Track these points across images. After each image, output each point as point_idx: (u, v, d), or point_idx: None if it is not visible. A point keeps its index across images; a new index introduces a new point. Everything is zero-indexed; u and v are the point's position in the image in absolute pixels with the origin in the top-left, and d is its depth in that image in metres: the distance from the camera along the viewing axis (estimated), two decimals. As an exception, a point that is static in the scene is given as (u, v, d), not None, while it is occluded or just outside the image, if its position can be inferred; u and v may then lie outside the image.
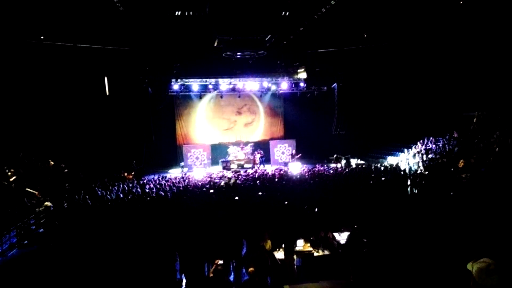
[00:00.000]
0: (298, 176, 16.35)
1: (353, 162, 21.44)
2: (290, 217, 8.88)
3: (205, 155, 22.16)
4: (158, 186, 14.80)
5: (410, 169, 17.78)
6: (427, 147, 18.87)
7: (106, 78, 20.56)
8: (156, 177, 17.93)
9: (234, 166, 21.62)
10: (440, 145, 18.20)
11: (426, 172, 15.63)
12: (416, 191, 13.28)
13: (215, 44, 18.64)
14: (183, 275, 7.37)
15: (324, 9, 17.31)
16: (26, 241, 10.81)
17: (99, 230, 8.75)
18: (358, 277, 6.66)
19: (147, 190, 14.00)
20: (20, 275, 7.79)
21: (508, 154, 13.78)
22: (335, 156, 22.11)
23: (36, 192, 13.70)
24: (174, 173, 20.46)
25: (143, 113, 19.90)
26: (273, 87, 23.15)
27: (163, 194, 12.89)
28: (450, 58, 20.78)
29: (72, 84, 19.69)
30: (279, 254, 7.57)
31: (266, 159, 23.19)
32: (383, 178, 14.45)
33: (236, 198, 11.42)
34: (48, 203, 12.57)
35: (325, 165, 20.65)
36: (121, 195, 13.29)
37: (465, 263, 2.49)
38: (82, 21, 17.29)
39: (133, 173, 19.42)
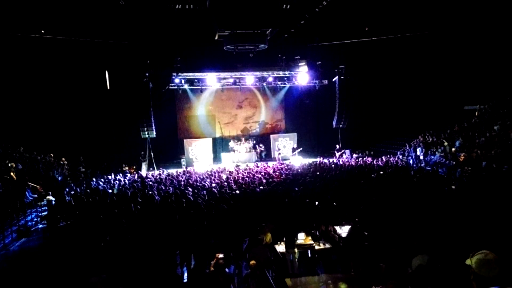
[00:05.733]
0: (300, 170, 16.36)
1: (354, 155, 21.43)
2: (291, 210, 8.89)
3: (206, 149, 22.16)
4: (159, 180, 14.81)
5: (411, 162, 17.77)
6: (428, 141, 18.83)
7: (107, 72, 20.51)
8: (156, 172, 17.95)
9: (235, 160, 21.63)
10: (441, 139, 18.16)
11: (427, 167, 15.63)
12: (417, 185, 13.27)
13: (216, 38, 18.54)
14: (184, 269, 7.42)
15: (325, 2, 17.20)
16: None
17: (100, 224, 8.77)
18: (359, 271, 6.68)
19: (149, 184, 14.00)
20: (22, 269, 7.84)
21: (509, 147, 13.75)
22: (336, 149, 22.13)
23: (38, 186, 13.75)
24: (175, 167, 20.46)
25: (144, 108, 19.86)
26: (274, 81, 23.06)
27: (164, 188, 12.91)
28: (451, 52, 20.69)
29: (73, 78, 19.67)
30: (280, 248, 7.60)
31: (267, 153, 23.22)
32: (382, 172, 14.45)
33: (237, 192, 11.46)
34: (50, 197, 12.63)
35: (327, 159, 20.63)
36: (123, 189, 13.32)
37: (466, 256, 2.48)
38: (82, 15, 17.23)
39: (134, 166, 19.45)
